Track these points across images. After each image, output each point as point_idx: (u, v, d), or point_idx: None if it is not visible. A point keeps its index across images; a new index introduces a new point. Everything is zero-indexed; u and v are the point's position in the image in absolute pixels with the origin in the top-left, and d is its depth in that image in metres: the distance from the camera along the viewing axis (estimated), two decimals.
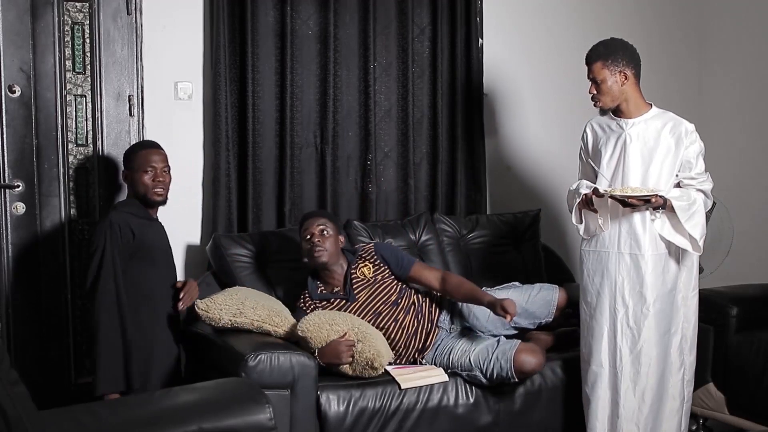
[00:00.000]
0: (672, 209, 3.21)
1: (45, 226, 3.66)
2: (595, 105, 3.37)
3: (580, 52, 4.64)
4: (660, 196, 3.17)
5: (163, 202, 3.43)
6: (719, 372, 3.75)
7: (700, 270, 3.62)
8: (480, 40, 4.37)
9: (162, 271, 3.40)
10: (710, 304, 3.73)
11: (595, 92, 3.32)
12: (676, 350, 3.33)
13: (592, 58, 3.33)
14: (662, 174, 3.27)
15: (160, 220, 3.49)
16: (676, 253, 3.32)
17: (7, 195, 3.59)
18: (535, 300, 3.60)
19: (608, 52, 3.30)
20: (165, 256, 3.46)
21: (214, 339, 3.29)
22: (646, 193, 3.14)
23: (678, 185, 3.32)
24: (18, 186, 3.59)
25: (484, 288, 3.76)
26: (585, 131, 3.49)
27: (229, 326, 3.26)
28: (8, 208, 3.59)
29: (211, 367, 3.23)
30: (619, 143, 3.33)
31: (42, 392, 3.54)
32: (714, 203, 3.92)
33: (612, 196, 3.19)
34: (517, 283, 3.79)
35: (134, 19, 3.74)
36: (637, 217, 3.27)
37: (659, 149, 3.27)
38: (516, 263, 4.19)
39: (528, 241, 4.26)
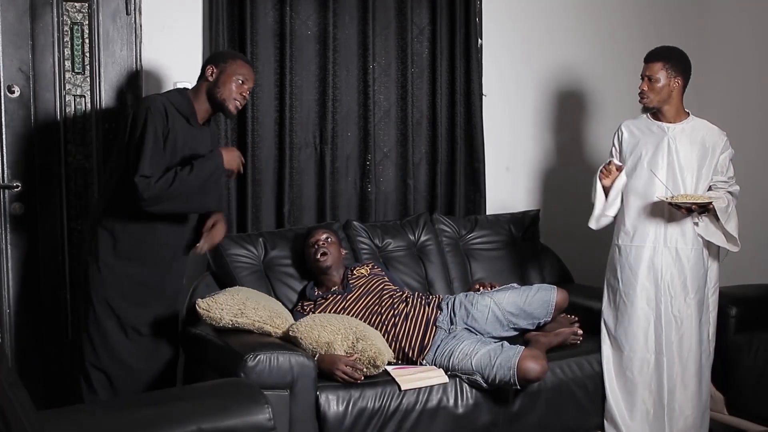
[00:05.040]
0: (714, 212, 3.50)
1: (44, 227, 3.65)
2: (641, 100, 3.59)
3: (578, 52, 4.69)
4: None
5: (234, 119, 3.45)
6: (719, 372, 3.75)
7: None
8: (479, 40, 4.37)
9: None
10: None
11: (645, 89, 3.55)
12: (706, 338, 3.62)
13: (654, 57, 3.57)
14: (701, 178, 3.56)
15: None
16: (708, 248, 3.61)
17: (6, 195, 3.59)
18: (533, 300, 3.62)
19: (670, 57, 3.56)
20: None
21: (213, 339, 3.28)
22: (705, 201, 3.45)
23: (709, 188, 3.60)
24: (17, 186, 3.59)
25: (482, 290, 3.77)
26: (620, 131, 3.70)
27: (230, 326, 3.25)
28: (7, 209, 3.59)
29: (211, 367, 3.23)
30: (660, 146, 3.57)
31: (41, 393, 3.55)
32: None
33: (673, 203, 3.44)
34: (515, 284, 3.81)
35: (133, 19, 3.74)
36: (681, 215, 3.51)
37: (698, 155, 3.56)
38: (515, 263, 4.19)
39: (527, 242, 4.27)
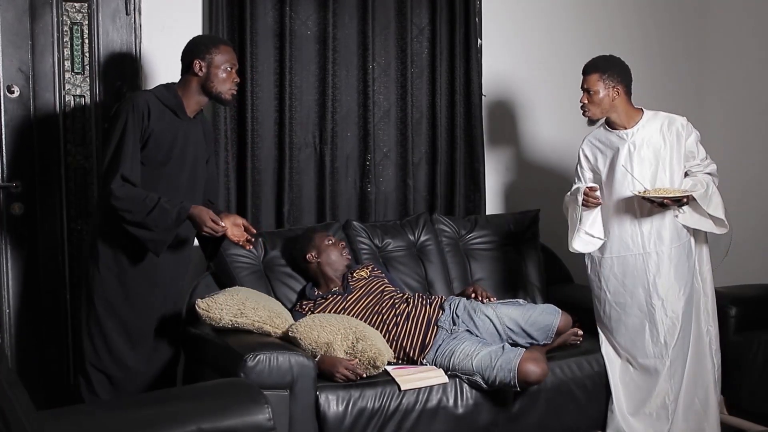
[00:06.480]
0: (693, 200, 3.47)
1: (44, 227, 3.65)
2: (584, 114, 3.58)
3: (578, 53, 4.67)
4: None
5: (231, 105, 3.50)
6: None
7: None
8: (479, 40, 4.37)
9: (179, 178, 3.23)
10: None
11: (586, 102, 3.55)
12: (704, 323, 3.60)
13: (589, 69, 3.56)
14: (674, 171, 3.52)
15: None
16: (693, 237, 3.58)
17: (6, 195, 3.59)
18: (534, 322, 3.52)
19: (606, 67, 3.55)
20: (185, 162, 3.25)
21: (213, 339, 3.28)
22: (679, 194, 3.42)
23: (685, 175, 3.56)
24: (17, 186, 3.59)
25: (484, 301, 3.74)
26: (583, 150, 3.71)
27: (229, 326, 3.25)
28: (7, 209, 3.58)
29: (211, 367, 3.23)
30: (622, 155, 3.53)
31: (41, 393, 3.54)
32: None
33: (647, 197, 3.41)
34: (521, 300, 3.78)
35: (133, 19, 3.73)
36: (656, 216, 3.50)
37: (664, 149, 3.52)
38: (515, 264, 4.18)
39: (527, 242, 4.26)
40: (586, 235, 3.56)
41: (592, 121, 3.60)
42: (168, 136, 3.18)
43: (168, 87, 3.28)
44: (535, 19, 4.60)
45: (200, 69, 3.22)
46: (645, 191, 3.42)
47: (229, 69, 3.24)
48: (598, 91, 3.50)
